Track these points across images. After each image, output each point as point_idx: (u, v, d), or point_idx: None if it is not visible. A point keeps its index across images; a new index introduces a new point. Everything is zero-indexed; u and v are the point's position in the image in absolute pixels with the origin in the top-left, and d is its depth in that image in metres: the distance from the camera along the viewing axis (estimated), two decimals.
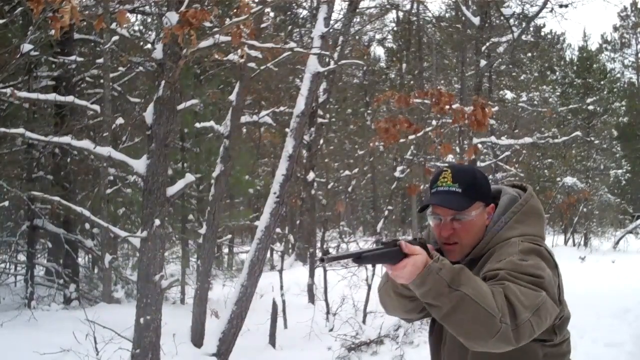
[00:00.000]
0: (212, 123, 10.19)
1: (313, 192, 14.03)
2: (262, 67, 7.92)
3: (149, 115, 5.56)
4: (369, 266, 9.27)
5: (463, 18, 13.92)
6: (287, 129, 7.68)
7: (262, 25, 8.83)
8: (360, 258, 1.65)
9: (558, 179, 25.34)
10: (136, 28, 15.52)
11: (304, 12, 17.69)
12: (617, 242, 25.45)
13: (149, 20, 14.63)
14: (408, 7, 14.59)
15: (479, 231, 1.90)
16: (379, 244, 1.69)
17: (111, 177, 11.90)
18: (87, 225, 11.57)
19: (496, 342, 1.59)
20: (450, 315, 1.60)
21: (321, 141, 15.51)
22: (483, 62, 13.21)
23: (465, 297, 1.58)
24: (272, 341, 8.10)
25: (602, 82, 30.77)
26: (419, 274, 1.61)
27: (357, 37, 17.48)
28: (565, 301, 1.88)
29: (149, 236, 5.43)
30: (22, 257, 12.18)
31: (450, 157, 12.04)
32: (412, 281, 1.63)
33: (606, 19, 71.75)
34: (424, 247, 1.71)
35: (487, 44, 13.98)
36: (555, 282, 1.76)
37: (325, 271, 10.28)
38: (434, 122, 11.45)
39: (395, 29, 19.71)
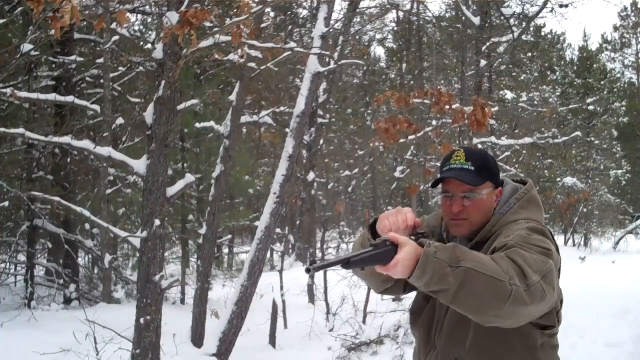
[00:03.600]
0: (212, 123, 10.20)
1: (313, 192, 14.05)
2: (262, 67, 7.92)
3: (149, 115, 5.56)
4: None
5: (463, 18, 13.92)
6: (287, 129, 7.68)
7: (262, 25, 8.83)
8: (348, 263, 1.62)
9: (558, 179, 25.33)
10: (136, 28, 15.52)
11: (304, 12, 17.69)
12: (617, 243, 25.46)
13: (149, 20, 14.63)
14: (408, 7, 14.60)
15: (487, 211, 1.93)
16: (369, 246, 1.67)
17: (111, 177, 11.89)
18: (87, 225, 11.56)
19: (510, 307, 1.56)
20: (459, 293, 1.57)
21: (321, 141, 15.53)
22: (483, 62, 13.20)
23: (469, 271, 1.56)
24: (272, 341, 8.10)
25: (602, 82, 30.77)
26: (417, 265, 1.59)
27: (357, 37, 17.48)
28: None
29: (149, 236, 5.43)
30: (22, 257, 12.17)
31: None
32: (412, 274, 1.60)
33: (606, 19, 71.77)
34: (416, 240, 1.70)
35: (487, 43, 13.96)
36: (558, 261, 1.79)
37: (325, 271, 10.28)
38: (434, 122, 11.46)
39: (395, 29, 19.69)
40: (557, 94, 28.25)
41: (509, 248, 1.68)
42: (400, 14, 17.20)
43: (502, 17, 13.96)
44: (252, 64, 7.83)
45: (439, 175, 1.98)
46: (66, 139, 6.47)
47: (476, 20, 13.16)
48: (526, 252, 1.66)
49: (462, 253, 1.60)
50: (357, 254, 1.64)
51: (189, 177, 6.04)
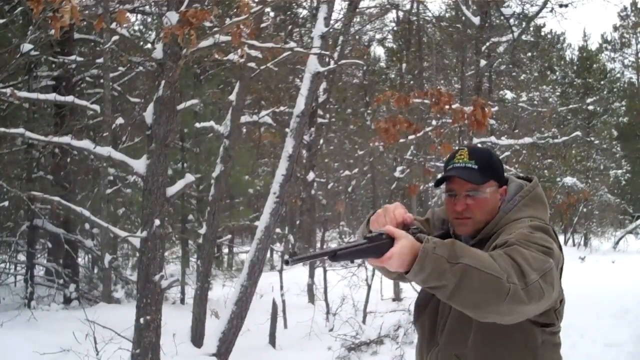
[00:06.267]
0: (212, 123, 10.19)
1: (313, 192, 14.03)
2: (262, 67, 7.92)
3: (149, 115, 5.56)
4: (370, 266, 9.30)
5: (463, 18, 13.92)
6: (287, 129, 7.68)
7: (262, 25, 8.83)
8: (335, 256, 1.58)
9: (558, 179, 25.33)
10: (136, 28, 15.50)
11: (304, 12, 17.70)
12: (617, 242, 25.46)
13: (149, 20, 14.62)
14: (408, 7, 14.57)
15: (491, 209, 1.93)
16: (363, 239, 1.63)
17: (111, 177, 11.89)
18: (87, 225, 11.56)
19: (508, 305, 1.55)
20: (457, 290, 1.56)
21: (321, 141, 15.52)
22: (483, 62, 13.20)
23: (467, 268, 1.55)
24: (272, 341, 8.10)
25: (602, 82, 30.80)
26: (417, 260, 1.57)
27: (357, 37, 17.47)
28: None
29: (149, 236, 5.43)
30: (22, 257, 12.17)
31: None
32: (410, 270, 1.58)
33: (606, 19, 71.75)
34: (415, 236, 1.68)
35: (487, 44, 13.96)
36: (560, 260, 1.78)
37: (325, 271, 10.28)
38: (434, 122, 11.45)
39: (395, 29, 19.68)
40: (557, 94, 28.22)
41: (510, 246, 1.67)
42: (400, 14, 17.20)
43: (502, 17, 13.95)
44: (252, 64, 7.83)
45: (442, 175, 1.98)
46: (66, 139, 6.47)
47: (476, 20, 13.16)
48: (526, 250, 1.65)
49: (460, 249, 1.59)
50: (348, 247, 1.60)
51: (189, 177, 6.05)
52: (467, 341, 1.86)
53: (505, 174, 2.04)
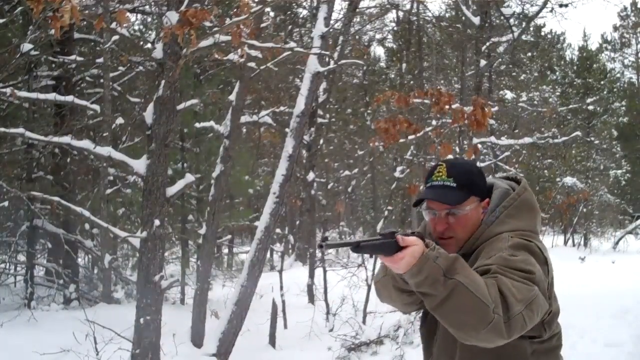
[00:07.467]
0: (212, 123, 10.20)
1: (313, 192, 14.02)
2: (262, 67, 7.91)
3: (149, 115, 5.56)
4: (369, 267, 9.30)
5: (463, 18, 13.92)
6: (287, 129, 7.67)
7: (262, 25, 8.82)
8: (358, 247, 1.66)
9: (558, 179, 25.33)
10: (136, 28, 15.49)
11: (304, 12, 17.71)
12: (617, 243, 25.42)
13: (149, 20, 14.61)
14: (408, 7, 14.58)
15: (473, 226, 1.89)
16: (377, 235, 1.69)
17: (111, 177, 11.89)
18: (87, 226, 11.55)
19: (487, 334, 1.57)
20: (444, 304, 1.59)
21: (321, 141, 15.52)
22: (483, 62, 13.19)
23: (460, 286, 1.57)
24: (272, 341, 8.10)
25: (602, 82, 30.79)
26: (416, 262, 1.60)
27: (357, 37, 17.48)
28: (556, 296, 1.87)
29: (148, 236, 5.43)
30: (22, 257, 12.16)
31: (450, 157, 12.00)
32: (408, 270, 1.62)
33: (606, 19, 71.74)
34: (421, 239, 1.70)
35: (487, 43, 13.96)
36: (545, 278, 1.76)
37: (325, 271, 10.28)
38: (434, 122, 11.45)
39: (395, 29, 19.69)
40: (557, 94, 28.22)
41: (493, 274, 1.66)
42: (400, 14, 17.21)
43: (502, 17, 13.94)
44: (252, 64, 7.83)
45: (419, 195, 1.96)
46: (66, 139, 6.47)
47: (476, 20, 13.16)
48: (509, 279, 1.64)
49: (460, 267, 1.61)
50: (367, 240, 1.68)
51: (189, 177, 6.05)
52: (455, 355, 1.86)
53: (493, 176, 2.02)
